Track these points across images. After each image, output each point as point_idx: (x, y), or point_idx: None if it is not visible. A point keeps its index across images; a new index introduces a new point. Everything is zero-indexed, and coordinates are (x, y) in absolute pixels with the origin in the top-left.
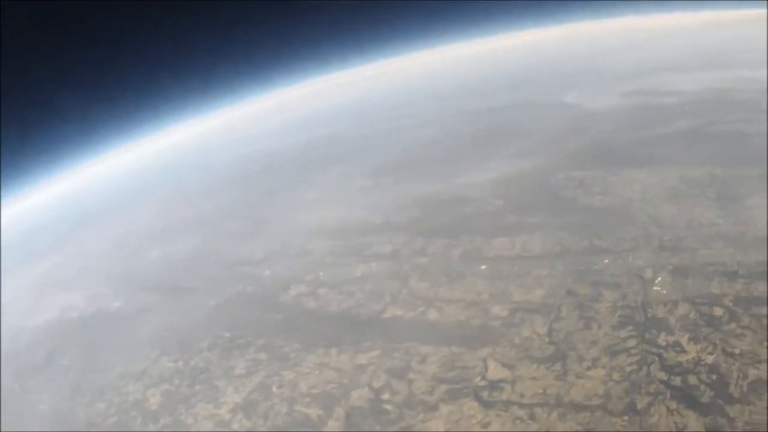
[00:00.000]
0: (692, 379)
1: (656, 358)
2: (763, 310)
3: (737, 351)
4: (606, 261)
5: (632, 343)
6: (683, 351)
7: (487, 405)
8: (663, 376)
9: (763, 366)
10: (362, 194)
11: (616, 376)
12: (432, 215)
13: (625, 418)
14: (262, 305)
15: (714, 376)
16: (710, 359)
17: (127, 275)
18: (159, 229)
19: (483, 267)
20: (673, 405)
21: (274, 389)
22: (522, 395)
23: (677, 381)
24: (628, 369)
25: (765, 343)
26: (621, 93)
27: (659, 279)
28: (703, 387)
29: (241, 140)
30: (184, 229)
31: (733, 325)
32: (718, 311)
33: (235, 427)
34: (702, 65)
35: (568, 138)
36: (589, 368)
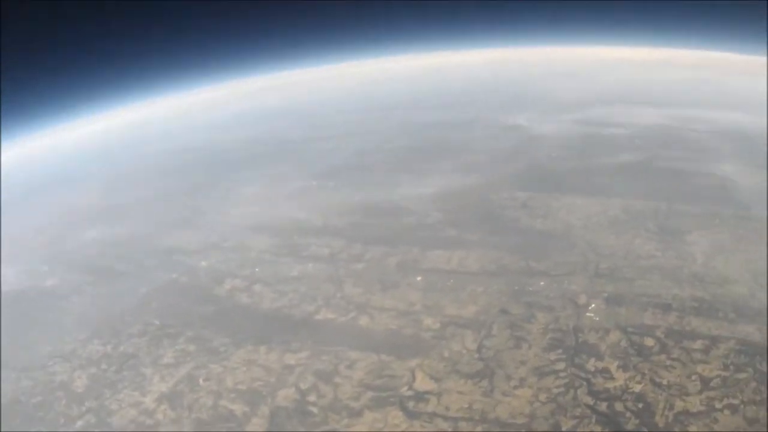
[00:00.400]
0: (618, 406)
1: (584, 383)
2: (694, 345)
3: (665, 382)
4: (542, 283)
5: (561, 366)
6: (611, 378)
7: (412, 415)
8: (589, 400)
9: (690, 398)
10: (304, 195)
11: (542, 397)
12: (372, 222)
13: None
14: (195, 296)
15: (640, 405)
16: (638, 388)
17: (64, 252)
18: (101, 208)
19: (418, 278)
20: (598, 429)
21: (201, 382)
22: (447, 408)
23: (603, 407)
24: (555, 391)
25: (693, 377)
26: (571, 120)
27: (593, 306)
28: (628, 414)
29: (194, 127)
30: (125, 211)
31: (663, 357)
32: (649, 342)
33: (159, 416)
34: (654, 101)
35: (514, 159)
36: (516, 387)
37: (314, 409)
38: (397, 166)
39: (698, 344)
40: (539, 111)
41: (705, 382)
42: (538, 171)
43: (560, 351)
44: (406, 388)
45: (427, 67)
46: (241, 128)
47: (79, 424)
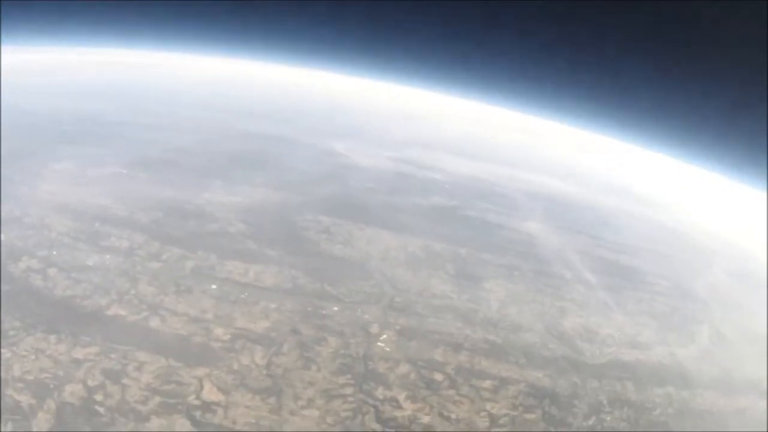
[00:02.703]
0: None
1: (372, 409)
2: (483, 384)
3: (453, 416)
4: (335, 308)
5: (349, 390)
6: (399, 407)
7: (198, 425)
8: (378, 427)
9: None
10: (113, 182)
11: (330, 419)
12: (174, 222)
13: None
14: None
15: None
16: (426, 419)
17: None
18: None
19: (213, 286)
20: None
21: None
22: (234, 422)
23: None
24: (343, 414)
25: (482, 413)
26: (391, 157)
27: (385, 336)
28: None
29: (40, 87)
30: None
31: (452, 392)
32: (438, 377)
33: None
34: (477, 156)
35: (326, 184)
36: (303, 407)
37: (101, 409)
38: (213, 170)
39: (487, 384)
40: (363, 143)
41: (493, 419)
42: (346, 199)
43: (349, 376)
44: (193, 396)
45: (274, 78)
46: (70, 99)
47: None
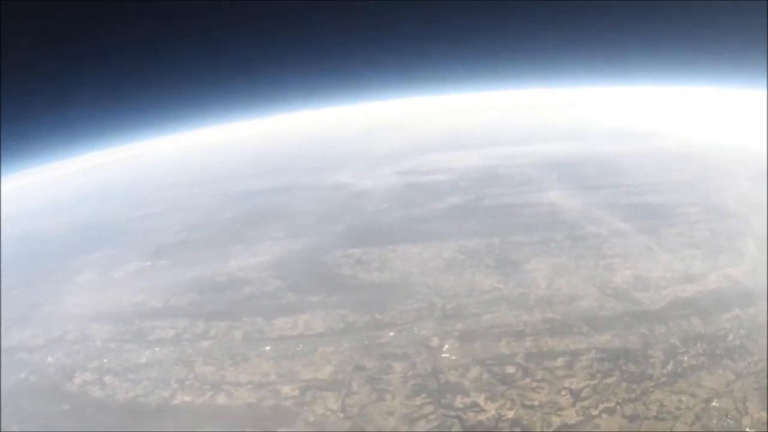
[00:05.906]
0: None
1: (456, 420)
2: (556, 363)
3: (536, 403)
4: (391, 334)
5: (429, 409)
6: (482, 410)
7: None
8: None
9: (565, 412)
10: (138, 277)
11: None
12: (211, 297)
13: None
14: (47, 395)
15: (517, 429)
16: (510, 414)
17: None
18: None
19: (267, 348)
20: None
21: None
22: None
23: None
24: None
25: (563, 392)
26: (393, 172)
27: (447, 346)
28: None
29: (12, 213)
30: None
31: (527, 380)
32: (510, 369)
33: None
34: (470, 145)
35: (341, 217)
36: None
37: None
38: (227, 237)
39: (560, 362)
40: (360, 167)
41: (575, 394)
42: (367, 226)
43: (424, 395)
44: None
45: (241, 136)
46: (64, 213)
47: None
